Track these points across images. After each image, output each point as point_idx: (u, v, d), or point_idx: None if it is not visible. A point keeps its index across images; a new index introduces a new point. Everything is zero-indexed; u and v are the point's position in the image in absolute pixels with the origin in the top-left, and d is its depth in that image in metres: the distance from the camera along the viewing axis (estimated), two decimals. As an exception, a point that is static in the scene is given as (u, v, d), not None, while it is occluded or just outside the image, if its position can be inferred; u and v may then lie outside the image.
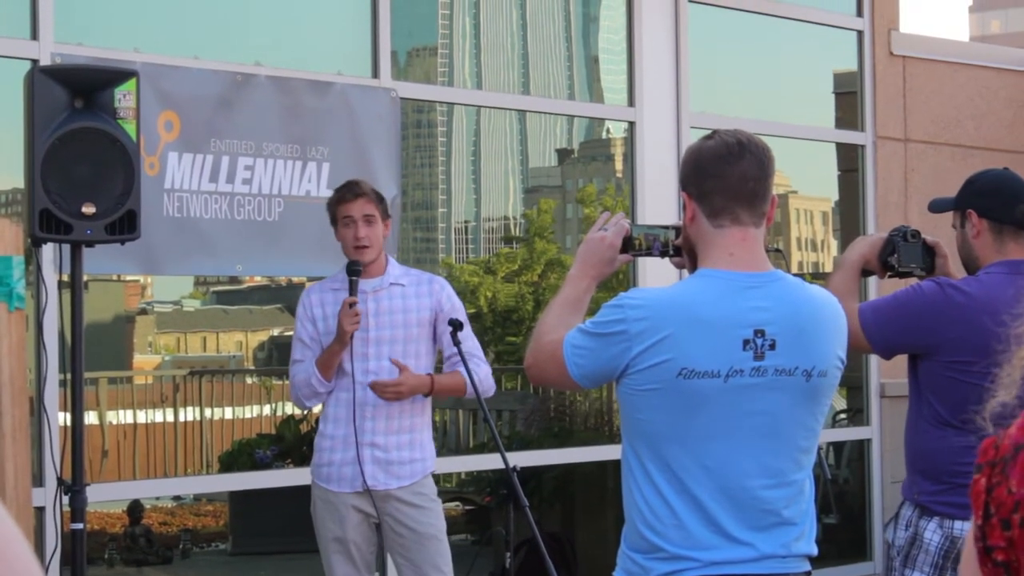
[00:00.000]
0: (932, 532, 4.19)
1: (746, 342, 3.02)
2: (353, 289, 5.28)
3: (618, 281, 8.21)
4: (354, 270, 5.30)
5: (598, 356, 3.08)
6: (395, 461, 5.34)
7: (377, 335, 5.34)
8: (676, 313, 3.02)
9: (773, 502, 3.08)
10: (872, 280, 7.55)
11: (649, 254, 3.38)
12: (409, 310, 5.39)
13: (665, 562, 3.06)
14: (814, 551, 3.19)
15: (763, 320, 3.04)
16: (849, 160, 9.39)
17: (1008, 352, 1.51)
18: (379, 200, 5.44)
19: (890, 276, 4.37)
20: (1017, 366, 1.47)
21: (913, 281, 4.30)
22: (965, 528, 4.09)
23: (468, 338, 5.39)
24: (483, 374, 5.41)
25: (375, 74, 6.99)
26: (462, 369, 5.24)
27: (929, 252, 4.34)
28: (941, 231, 4.66)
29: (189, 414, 10.65)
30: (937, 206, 4.49)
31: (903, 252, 4.28)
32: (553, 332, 3.19)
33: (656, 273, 7.40)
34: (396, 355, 5.34)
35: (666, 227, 3.37)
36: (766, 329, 3.03)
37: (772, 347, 3.03)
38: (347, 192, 5.43)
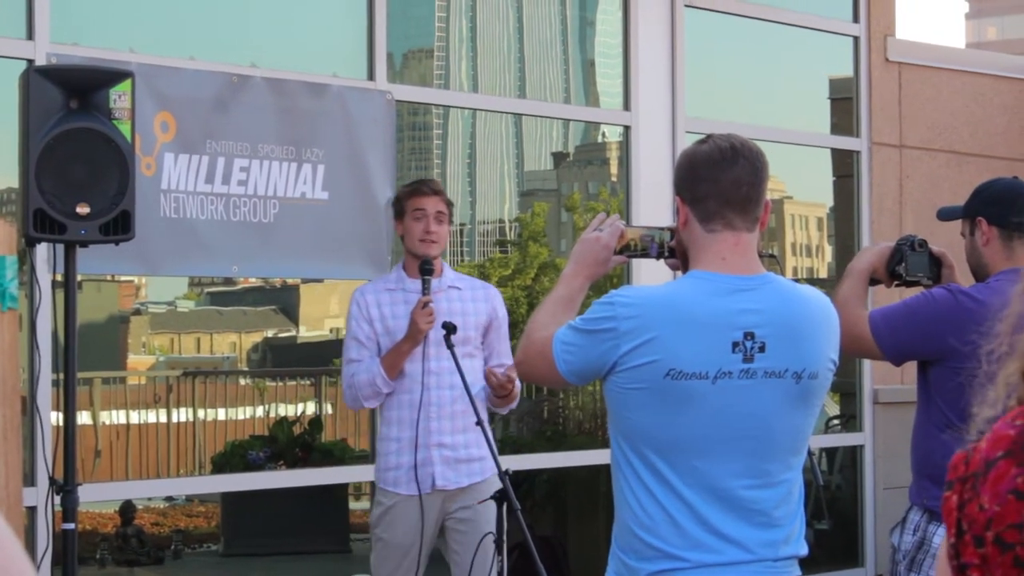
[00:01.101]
0: (941, 537, 4.19)
1: (735, 344, 3.03)
2: (426, 288, 5.32)
3: (612, 284, 8.21)
4: (427, 269, 5.34)
5: (587, 353, 3.09)
6: (464, 459, 5.36)
7: (437, 336, 5.35)
8: (666, 313, 3.03)
9: (762, 502, 3.09)
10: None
11: (645, 255, 3.38)
12: (467, 313, 5.44)
13: (655, 561, 3.06)
14: (804, 552, 3.20)
15: (753, 323, 3.04)
16: (844, 166, 9.39)
17: (987, 369, 1.49)
18: (449, 204, 5.52)
19: (897, 285, 4.40)
20: (1002, 384, 1.46)
21: (919, 289, 4.32)
22: None
23: (505, 340, 5.54)
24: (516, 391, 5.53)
25: (371, 76, 6.98)
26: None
27: (936, 262, 4.36)
28: (937, 239, 4.66)
29: (182, 415, 10.64)
30: (946, 214, 4.53)
31: (911, 261, 4.31)
32: (544, 329, 3.21)
33: (650, 274, 7.39)
34: (464, 356, 5.36)
35: (661, 229, 3.38)
36: (756, 331, 3.04)
37: (762, 349, 3.04)
38: (423, 186, 5.52)
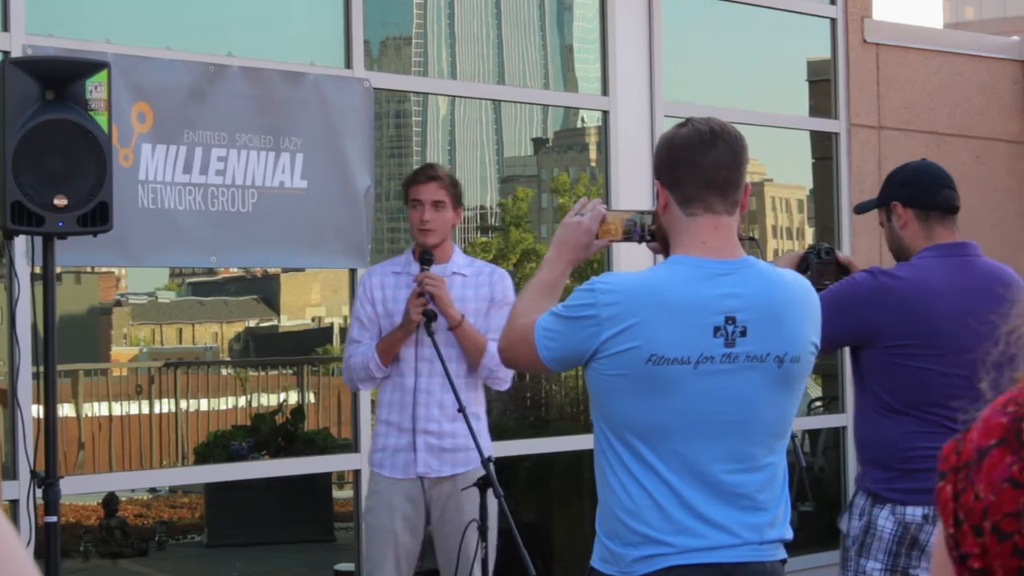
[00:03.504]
0: (885, 519, 4.23)
1: (717, 329, 3.02)
2: None
3: (593, 270, 8.20)
4: (426, 259, 5.31)
5: (567, 339, 3.09)
6: (449, 448, 5.32)
7: (436, 323, 5.33)
8: (646, 299, 3.03)
9: (746, 486, 3.09)
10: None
11: (628, 239, 3.37)
12: (467, 300, 5.39)
13: (640, 547, 3.06)
14: (789, 535, 3.20)
15: (734, 307, 3.04)
16: (823, 148, 9.40)
17: (1004, 349, 1.47)
18: (452, 187, 5.45)
19: None
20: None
21: None
22: (916, 513, 4.16)
23: (498, 317, 5.30)
24: (492, 349, 5.43)
25: (348, 64, 6.96)
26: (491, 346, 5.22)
27: (843, 269, 4.44)
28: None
29: (164, 406, 10.61)
30: (862, 208, 4.62)
31: (816, 270, 4.41)
32: (526, 315, 3.21)
33: (631, 259, 7.40)
34: (451, 343, 5.30)
35: (643, 212, 3.37)
36: (737, 316, 3.04)
37: (743, 334, 3.04)
38: (420, 175, 5.46)
